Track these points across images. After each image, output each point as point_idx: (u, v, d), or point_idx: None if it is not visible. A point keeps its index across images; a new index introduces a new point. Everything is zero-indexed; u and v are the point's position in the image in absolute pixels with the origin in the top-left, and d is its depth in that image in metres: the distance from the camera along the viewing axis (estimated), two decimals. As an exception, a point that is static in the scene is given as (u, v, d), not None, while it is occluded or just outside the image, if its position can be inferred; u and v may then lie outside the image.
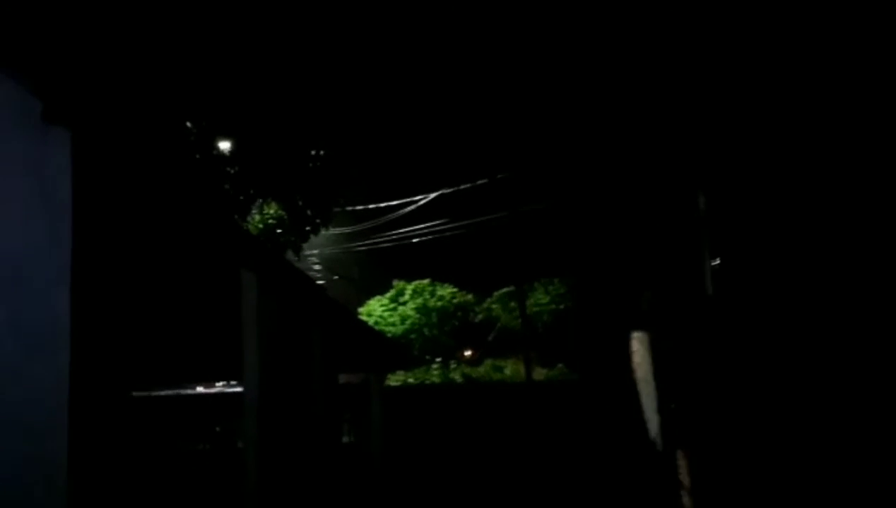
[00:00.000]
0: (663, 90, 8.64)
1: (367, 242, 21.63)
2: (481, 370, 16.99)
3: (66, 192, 3.35)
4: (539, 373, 15.63)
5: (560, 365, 16.77)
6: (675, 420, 7.11)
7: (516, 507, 8.88)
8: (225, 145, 10.06)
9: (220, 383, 7.88)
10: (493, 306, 20.06)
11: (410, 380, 15.12)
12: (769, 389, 6.75)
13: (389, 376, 13.76)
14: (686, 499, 6.73)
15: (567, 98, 11.80)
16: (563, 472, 9.00)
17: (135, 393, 7.54)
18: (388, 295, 20.17)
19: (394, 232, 20.51)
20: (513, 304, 17.74)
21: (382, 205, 20.32)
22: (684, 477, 6.80)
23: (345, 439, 7.99)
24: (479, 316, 20.10)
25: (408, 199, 19.64)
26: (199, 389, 8.74)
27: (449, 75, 16.75)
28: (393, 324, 19.11)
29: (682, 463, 6.85)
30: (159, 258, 4.76)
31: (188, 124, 9.53)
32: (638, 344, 7.50)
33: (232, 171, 10.03)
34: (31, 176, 3.29)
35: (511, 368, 16.66)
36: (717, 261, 8.36)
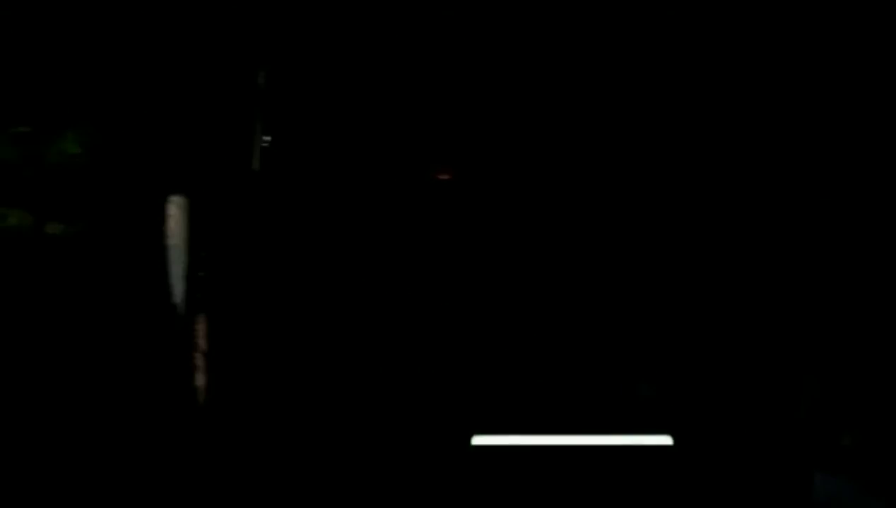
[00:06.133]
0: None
1: None
2: None
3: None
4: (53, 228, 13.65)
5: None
6: (201, 287, 7.29)
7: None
8: None
9: None
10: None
11: None
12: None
13: None
14: (200, 360, 7.03)
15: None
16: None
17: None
18: None
19: None
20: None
21: None
22: (202, 341, 7.10)
23: None
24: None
25: None
26: None
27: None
28: None
29: (200, 328, 7.12)
30: None
31: None
32: (176, 210, 7.36)
33: None
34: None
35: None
36: (268, 139, 8.57)
